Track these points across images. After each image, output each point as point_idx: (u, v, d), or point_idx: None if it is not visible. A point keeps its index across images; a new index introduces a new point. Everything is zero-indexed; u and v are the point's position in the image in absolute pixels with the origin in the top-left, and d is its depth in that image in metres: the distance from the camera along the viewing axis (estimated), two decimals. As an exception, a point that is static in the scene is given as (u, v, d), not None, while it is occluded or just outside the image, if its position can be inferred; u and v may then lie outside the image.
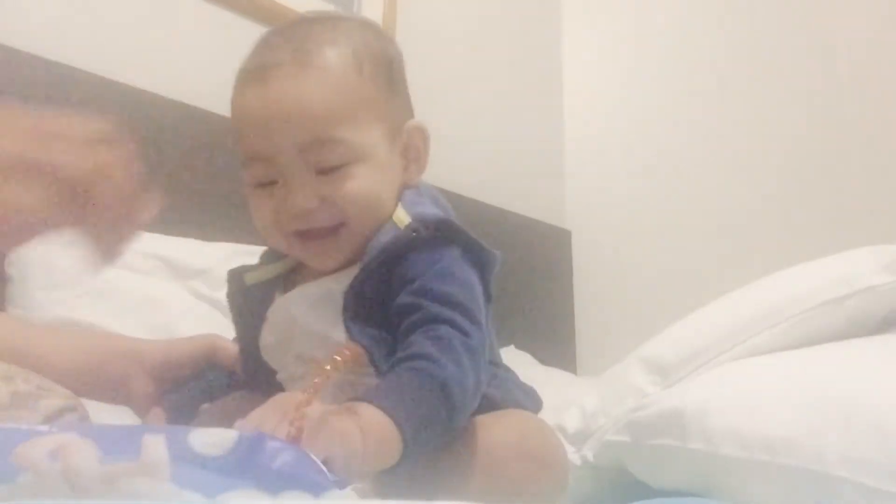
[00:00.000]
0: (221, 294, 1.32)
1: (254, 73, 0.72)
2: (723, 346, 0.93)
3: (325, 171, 0.71)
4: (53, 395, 0.63)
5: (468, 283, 0.71)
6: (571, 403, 1.01)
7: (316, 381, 0.57)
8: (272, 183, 0.73)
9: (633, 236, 2.27)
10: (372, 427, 0.57)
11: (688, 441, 0.83)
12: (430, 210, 0.74)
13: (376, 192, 0.73)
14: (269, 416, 0.58)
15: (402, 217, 0.73)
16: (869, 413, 0.73)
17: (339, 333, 0.70)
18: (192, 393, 0.82)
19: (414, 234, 0.71)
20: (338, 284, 0.72)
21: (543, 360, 1.96)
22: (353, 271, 0.72)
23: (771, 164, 2.06)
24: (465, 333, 0.67)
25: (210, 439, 0.49)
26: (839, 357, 0.88)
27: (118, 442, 0.48)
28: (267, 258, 0.81)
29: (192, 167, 1.50)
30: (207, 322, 1.25)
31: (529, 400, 0.79)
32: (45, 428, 0.49)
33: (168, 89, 1.49)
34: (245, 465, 0.48)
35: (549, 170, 2.43)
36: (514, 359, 1.82)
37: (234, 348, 0.83)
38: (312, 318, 0.72)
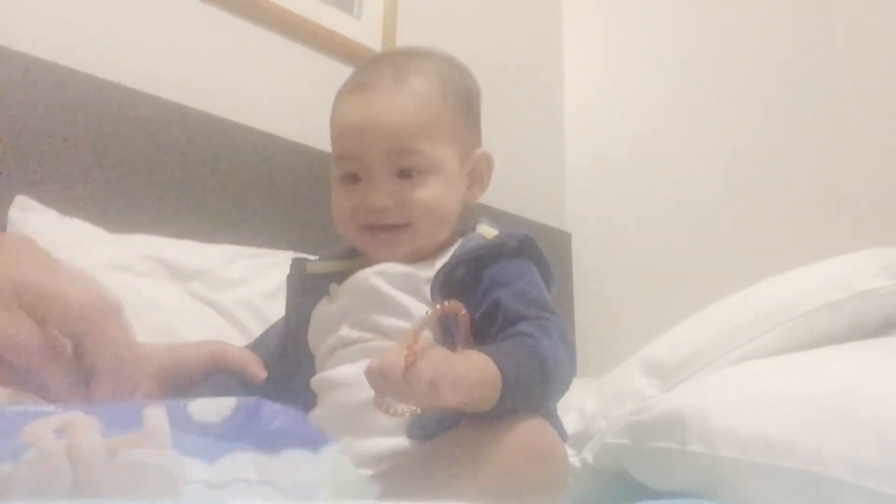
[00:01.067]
0: (221, 296, 1.34)
1: (357, 86, 0.86)
2: (723, 348, 0.93)
3: (403, 177, 0.83)
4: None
5: (548, 295, 0.83)
6: (571, 406, 1.01)
7: (424, 316, 0.69)
8: (355, 180, 0.84)
9: (633, 238, 2.27)
10: (478, 365, 0.67)
11: (688, 443, 0.83)
12: (515, 230, 0.87)
13: (442, 202, 0.85)
14: (389, 355, 0.64)
15: (488, 231, 0.86)
16: (869, 415, 0.73)
17: (418, 309, 0.79)
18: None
19: (504, 244, 0.82)
20: (419, 270, 0.82)
21: (543, 362, 1.96)
22: (428, 265, 0.82)
23: (772, 166, 2.06)
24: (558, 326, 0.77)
25: (209, 407, 0.51)
26: (839, 360, 0.88)
27: (120, 417, 0.50)
28: (330, 255, 0.91)
29: (191, 169, 1.50)
30: (206, 324, 1.25)
31: None
32: (50, 408, 0.52)
33: (168, 91, 1.49)
34: (244, 429, 0.50)
35: (550, 172, 2.43)
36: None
37: (242, 354, 0.87)
38: (394, 291, 0.81)
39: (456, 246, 0.85)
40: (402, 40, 1.98)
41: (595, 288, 2.30)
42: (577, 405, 1.00)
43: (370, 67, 0.90)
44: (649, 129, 2.30)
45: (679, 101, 2.26)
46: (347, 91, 0.88)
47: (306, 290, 0.88)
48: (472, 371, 0.66)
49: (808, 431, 0.75)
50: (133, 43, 1.51)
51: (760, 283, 1.01)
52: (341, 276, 0.86)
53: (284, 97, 1.69)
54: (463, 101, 0.90)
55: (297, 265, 0.90)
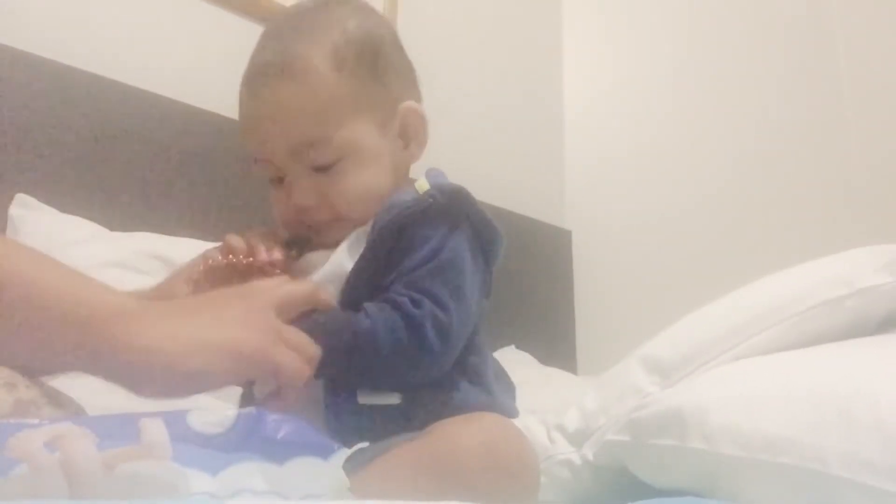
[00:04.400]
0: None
1: (246, 79, 0.79)
2: (723, 345, 0.93)
3: (320, 169, 0.76)
4: (57, 402, 0.62)
5: (459, 261, 0.76)
6: (571, 403, 1.01)
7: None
8: (281, 180, 0.78)
9: (633, 236, 2.27)
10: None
11: (688, 440, 0.83)
12: (450, 181, 0.80)
13: (367, 185, 0.78)
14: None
15: (423, 185, 0.78)
16: (869, 412, 0.73)
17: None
18: None
19: (431, 199, 0.76)
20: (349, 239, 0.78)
21: (543, 360, 1.97)
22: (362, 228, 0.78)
23: (771, 164, 2.06)
24: (440, 307, 0.72)
25: (209, 418, 0.50)
26: (839, 357, 0.88)
27: (114, 429, 0.48)
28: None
29: (191, 167, 1.50)
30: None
31: (503, 398, 0.81)
32: (35, 420, 0.49)
33: (168, 89, 1.49)
34: (248, 439, 0.49)
35: (550, 170, 2.43)
36: (514, 359, 1.83)
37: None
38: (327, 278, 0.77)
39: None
40: (402, 40, 1.98)
41: (595, 285, 2.30)
42: (578, 402, 1.00)
43: (260, 44, 0.80)
44: (649, 128, 2.30)
45: (678, 99, 2.26)
46: (242, 81, 0.79)
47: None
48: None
49: (808, 428, 0.75)
50: (134, 41, 1.51)
51: (760, 280, 1.01)
52: (302, 242, 0.82)
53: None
54: (367, 58, 0.79)
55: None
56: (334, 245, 0.79)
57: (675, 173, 2.22)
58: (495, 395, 0.80)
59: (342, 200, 0.77)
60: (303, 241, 0.82)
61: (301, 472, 0.49)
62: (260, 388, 0.71)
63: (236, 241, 0.79)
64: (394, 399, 0.73)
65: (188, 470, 0.46)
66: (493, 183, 2.12)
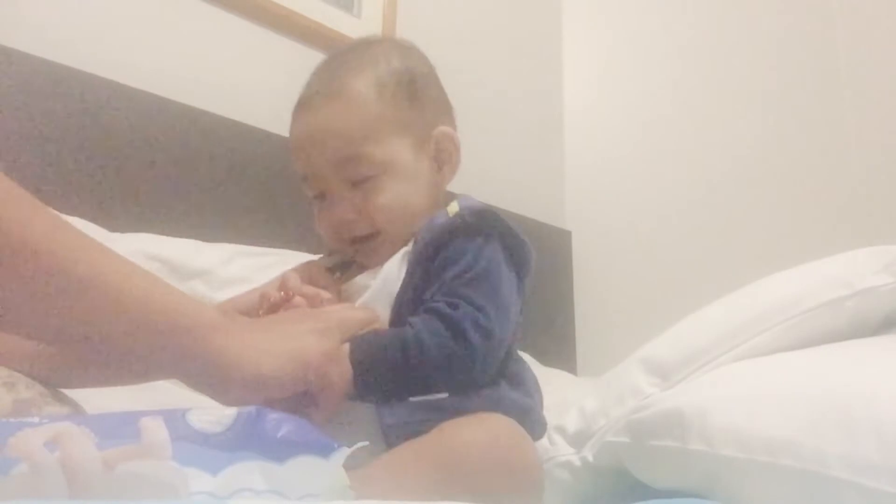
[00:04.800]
0: (221, 294, 1.34)
1: (299, 103, 0.88)
2: (723, 346, 0.93)
3: (358, 184, 0.83)
4: (57, 401, 0.62)
5: (494, 269, 0.81)
6: (571, 404, 1.01)
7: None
8: (323, 198, 0.86)
9: (633, 236, 2.27)
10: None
11: (688, 442, 0.83)
12: (478, 202, 0.86)
13: (403, 200, 0.84)
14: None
15: (454, 208, 0.86)
16: (869, 414, 0.73)
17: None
18: None
19: (460, 218, 0.82)
20: (392, 262, 0.83)
21: (543, 360, 1.96)
22: (403, 251, 0.83)
23: (771, 165, 2.06)
24: (478, 309, 0.76)
25: (209, 417, 0.50)
26: (839, 358, 0.88)
27: (114, 428, 0.47)
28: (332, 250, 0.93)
29: (192, 168, 1.50)
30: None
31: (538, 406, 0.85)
32: (35, 419, 0.48)
33: (168, 90, 1.49)
34: (248, 438, 0.49)
35: (550, 171, 2.43)
36: (514, 359, 1.82)
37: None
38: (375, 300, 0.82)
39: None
40: (404, 40, 1.98)
41: (595, 286, 2.30)
42: (578, 404, 1.00)
43: (309, 80, 0.90)
44: (649, 128, 2.30)
45: (678, 100, 2.26)
46: (295, 106, 0.89)
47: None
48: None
49: (808, 430, 0.75)
50: (134, 42, 1.51)
51: (760, 281, 1.01)
52: (346, 265, 0.88)
53: (285, 96, 1.69)
54: (405, 85, 0.87)
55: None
56: (376, 266, 0.84)
57: (675, 174, 2.22)
58: (535, 401, 0.85)
59: (379, 213, 0.83)
60: (346, 264, 0.88)
61: (301, 471, 0.48)
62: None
63: (292, 278, 0.84)
64: (442, 394, 0.76)
65: (188, 469, 0.46)
66: (493, 183, 2.12)
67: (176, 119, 1.49)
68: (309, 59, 1.78)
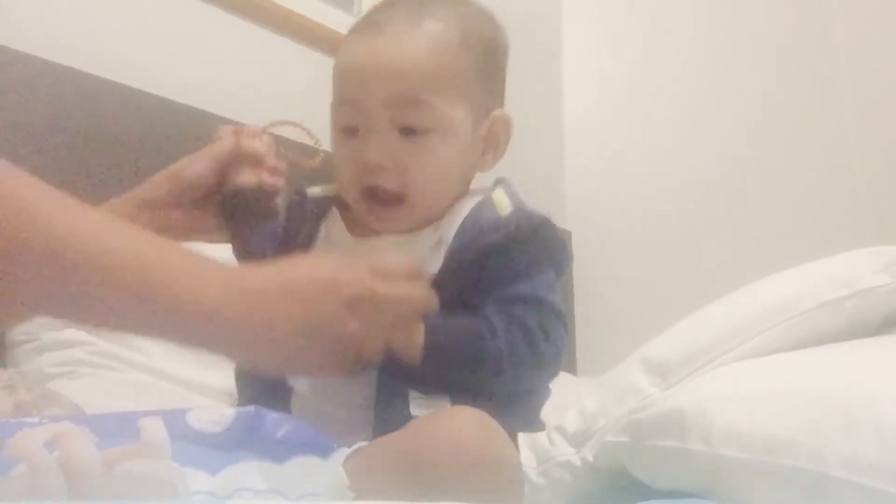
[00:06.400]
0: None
1: (366, 25, 0.76)
2: (723, 346, 0.93)
3: (407, 134, 0.73)
4: (56, 404, 0.62)
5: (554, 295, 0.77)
6: (571, 404, 1.01)
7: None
8: (354, 132, 0.75)
9: (633, 236, 2.27)
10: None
11: (688, 442, 0.83)
12: (532, 206, 0.79)
13: (447, 171, 0.76)
14: None
15: (503, 203, 0.77)
16: (869, 414, 0.73)
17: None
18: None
19: (514, 227, 0.75)
20: (420, 241, 0.76)
21: (543, 361, 1.96)
22: (429, 233, 0.76)
23: (771, 165, 2.06)
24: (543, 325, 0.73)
25: (209, 417, 0.50)
26: (839, 358, 0.88)
27: (114, 428, 0.47)
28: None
29: (192, 167, 1.50)
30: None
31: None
32: (35, 419, 0.48)
33: (169, 90, 1.49)
34: (247, 438, 0.49)
35: (550, 171, 2.43)
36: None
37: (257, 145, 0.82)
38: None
39: (463, 214, 0.76)
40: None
41: (595, 286, 2.30)
42: (578, 404, 1.00)
43: (384, 6, 0.79)
44: (649, 128, 2.30)
45: (678, 99, 2.26)
46: (355, 31, 0.78)
47: (306, 213, 0.82)
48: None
49: (808, 429, 0.75)
50: (134, 42, 1.51)
51: (760, 281, 1.01)
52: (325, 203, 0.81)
53: (285, 95, 1.69)
54: (487, 53, 0.80)
55: (298, 192, 0.84)
56: (385, 231, 0.77)
57: (676, 174, 2.22)
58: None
59: (418, 173, 0.74)
60: (325, 201, 0.80)
61: (300, 470, 0.48)
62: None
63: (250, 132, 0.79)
64: (444, 405, 0.73)
65: (187, 469, 0.46)
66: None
67: (176, 119, 1.49)
68: (309, 59, 1.79)
